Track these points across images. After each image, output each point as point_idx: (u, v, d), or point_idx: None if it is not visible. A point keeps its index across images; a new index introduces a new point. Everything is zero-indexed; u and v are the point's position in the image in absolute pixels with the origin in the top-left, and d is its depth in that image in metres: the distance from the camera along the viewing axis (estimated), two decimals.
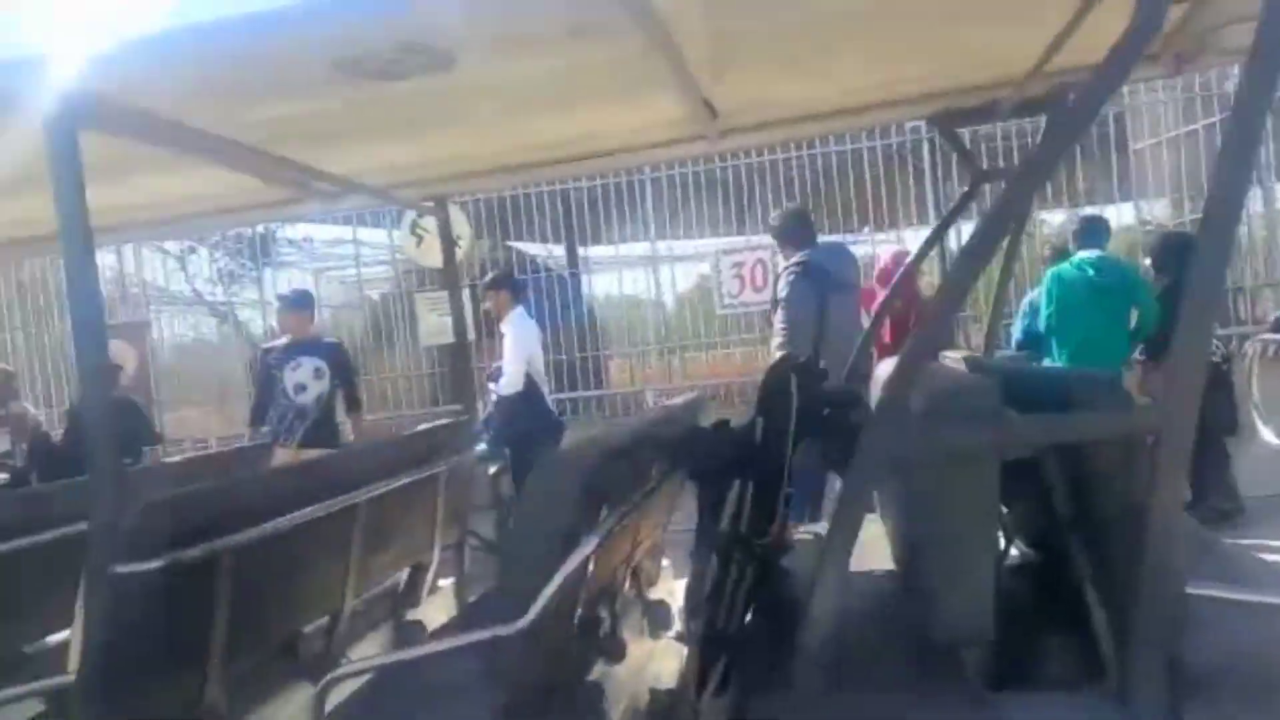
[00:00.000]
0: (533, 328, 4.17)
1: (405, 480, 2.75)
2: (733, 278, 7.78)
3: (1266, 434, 3.29)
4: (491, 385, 5.72)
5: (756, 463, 2.21)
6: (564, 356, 9.50)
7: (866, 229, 9.37)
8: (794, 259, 4.62)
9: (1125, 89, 8.52)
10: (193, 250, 10.36)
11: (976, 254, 1.47)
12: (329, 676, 1.68)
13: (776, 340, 4.55)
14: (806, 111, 2.79)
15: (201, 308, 10.54)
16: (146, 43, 1.76)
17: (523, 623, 1.60)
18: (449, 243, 3.62)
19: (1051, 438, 1.48)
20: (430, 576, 3.25)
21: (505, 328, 5.64)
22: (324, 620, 2.62)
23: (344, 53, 1.91)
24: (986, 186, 3.00)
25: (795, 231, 4.79)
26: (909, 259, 3.63)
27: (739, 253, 8.00)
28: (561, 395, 9.42)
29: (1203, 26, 2.30)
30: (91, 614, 1.67)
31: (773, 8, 2.00)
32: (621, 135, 2.85)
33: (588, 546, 1.69)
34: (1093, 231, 5.58)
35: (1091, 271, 5.21)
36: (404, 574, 3.22)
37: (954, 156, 7.97)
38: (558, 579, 1.62)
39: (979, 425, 1.37)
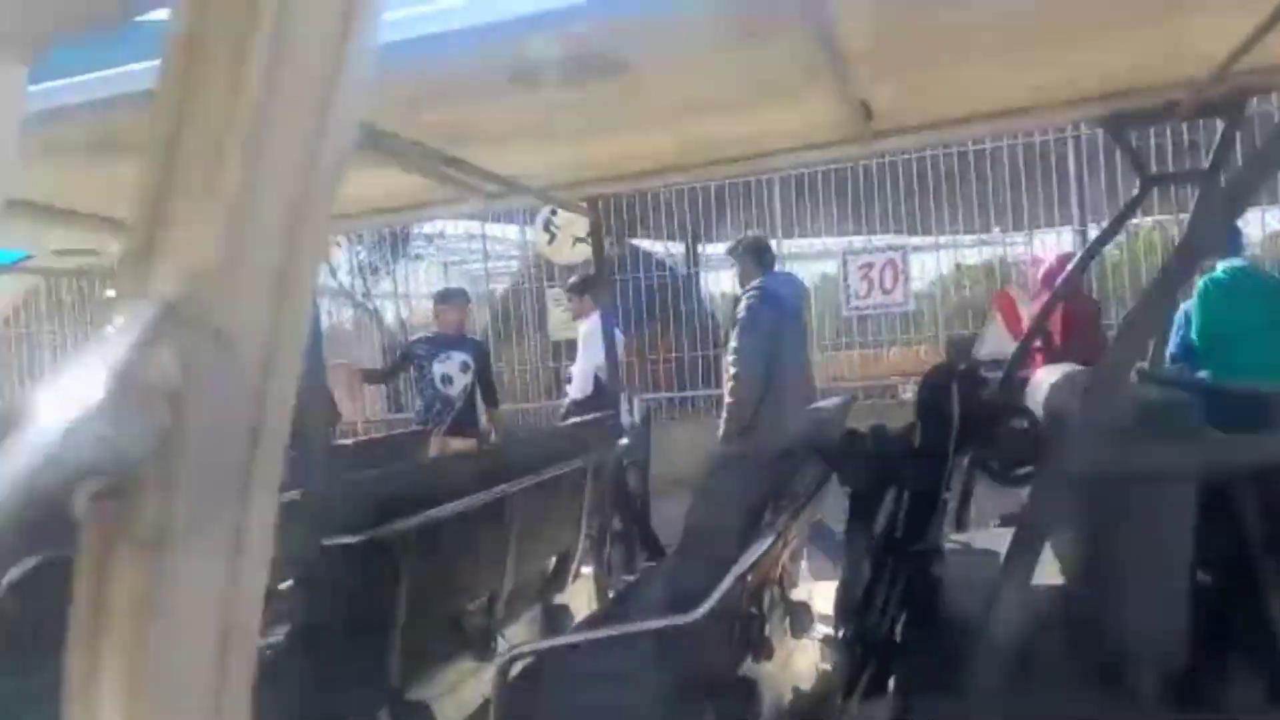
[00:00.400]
0: (608, 334, 4.33)
1: (558, 471, 2.87)
2: (860, 279, 7.68)
3: None
4: (567, 386, 5.87)
5: (914, 469, 2.22)
6: (679, 355, 9.58)
7: (997, 229, 9.10)
8: (752, 284, 4.76)
9: None
10: (335, 244, 10.90)
11: (1177, 268, 1.44)
12: (512, 652, 1.78)
13: (729, 358, 4.72)
14: (964, 113, 2.75)
15: (342, 298, 11.07)
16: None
17: (699, 613, 1.66)
18: (599, 241, 3.73)
19: (1261, 456, 1.44)
20: (575, 564, 3.37)
21: (580, 330, 5.82)
22: (483, 600, 2.76)
23: (522, 66, 2.01)
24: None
25: (754, 257, 4.92)
26: (1073, 262, 3.52)
27: (867, 253, 7.88)
28: (674, 394, 9.50)
29: None
30: (301, 582, 1.82)
31: (937, 6, 1.99)
32: (779, 137, 2.87)
33: (764, 543, 1.74)
34: (1233, 239, 5.28)
35: (1254, 279, 4.92)
36: (550, 561, 3.35)
37: (1102, 158, 7.75)
38: (735, 571, 1.67)
39: (1181, 445, 1.35)
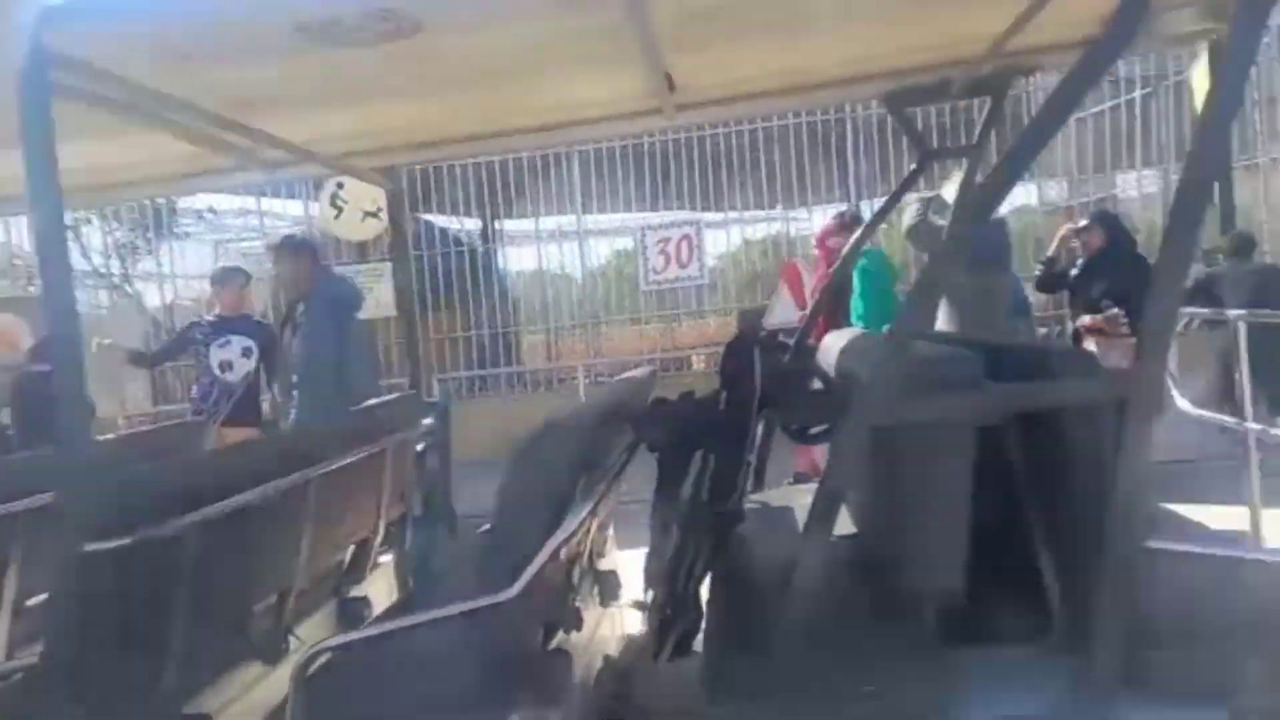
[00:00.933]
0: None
1: (357, 456, 2.71)
2: (658, 253, 7.82)
3: (1181, 403, 3.53)
4: None
5: (720, 434, 2.26)
6: (477, 333, 9.41)
7: (781, 205, 9.57)
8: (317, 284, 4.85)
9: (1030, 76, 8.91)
10: (87, 220, 9.79)
11: (962, 224, 1.53)
12: (314, 648, 1.66)
13: (295, 360, 4.84)
14: (763, 87, 2.83)
15: (98, 281, 9.98)
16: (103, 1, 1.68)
17: (515, 590, 1.61)
18: (400, 213, 3.54)
19: (1033, 404, 1.56)
20: (374, 553, 3.21)
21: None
22: (272, 599, 2.56)
23: (309, 17, 1.85)
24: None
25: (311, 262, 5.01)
26: (857, 234, 3.72)
27: (665, 229, 8.04)
28: (473, 372, 9.34)
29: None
30: (60, 591, 1.60)
31: None
32: (584, 107, 2.84)
33: (577, 517, 1.71)
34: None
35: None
36: (348, 552, 3.17)
37: (874, 135, 8.30)
38: (548, 548, 1.64)
39: (964, 394, 1.44)
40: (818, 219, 9.18)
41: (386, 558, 3.40)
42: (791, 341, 3.02)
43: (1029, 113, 8.50)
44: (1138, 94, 8.46)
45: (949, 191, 5.01)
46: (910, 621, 1.78)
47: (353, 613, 3.03)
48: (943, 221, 4.98)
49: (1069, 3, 2.04)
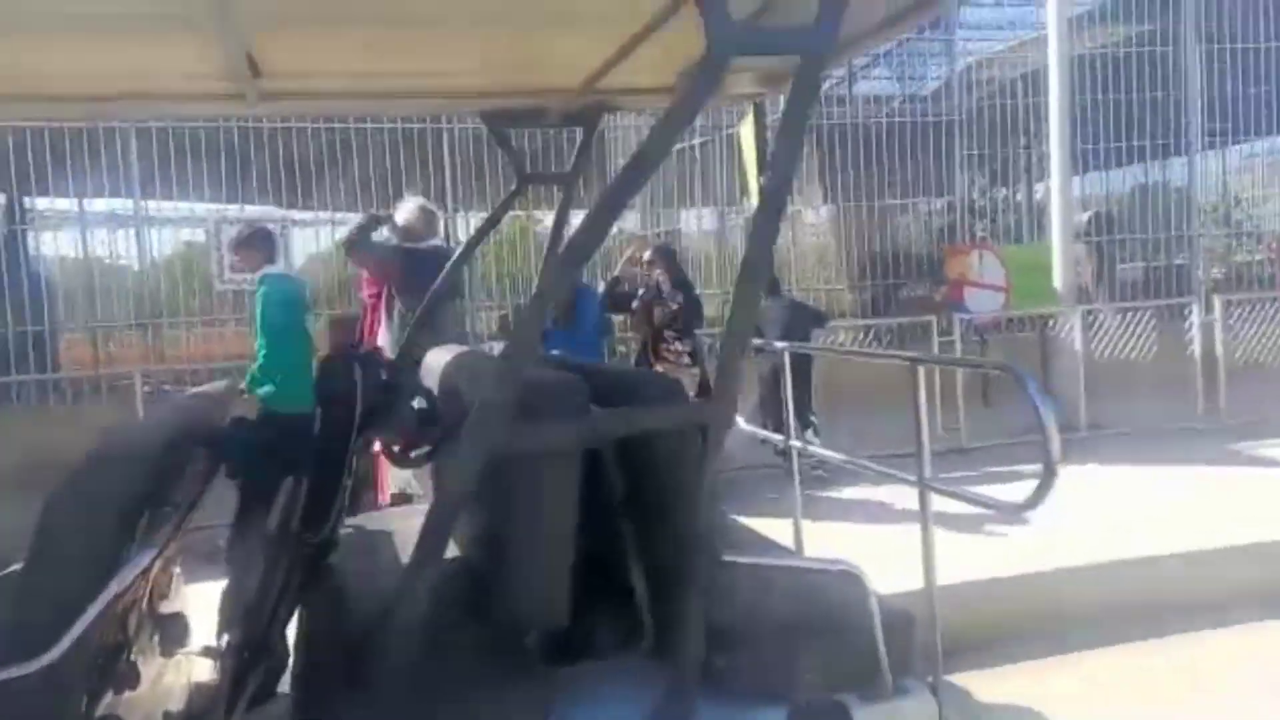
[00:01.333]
0: None
1: None
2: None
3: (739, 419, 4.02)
4: None
5: (315, 456, 2.10)
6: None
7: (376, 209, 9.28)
8: None
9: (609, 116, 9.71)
10: None
11: (574, 253, 1.57)
12: None
13: None
14: (354, 87, 2.71)
15: None
16: None
17: (47, 659, 1.33)
18: None
19: (632, 429, 1.65)
20: None
21: None
22: None
23: None
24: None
25: None
26: (457, 253, 3.68)
27: (243, 224, 7.32)
28: None
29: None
30: None
31: None
32: (148, 78, 2.47)
33: (136, 565, 1.46)
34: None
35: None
36: None
37: (472, 152, 8.38)
38: (100, 603, 1.37)
39: (571, 420, 1.48)
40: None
41: None
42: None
43: (619, 146, 9.26)
44: (697, 141, 9.61)
45: (403, 213, 5.19)
46: (516, 644, 1.79)
47: None
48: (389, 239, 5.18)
49: (654, 52, 2.22)
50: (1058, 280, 7.92)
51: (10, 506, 1.68)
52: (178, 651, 2.65)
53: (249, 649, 2.17)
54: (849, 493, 5.96)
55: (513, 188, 2.94)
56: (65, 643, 1.32)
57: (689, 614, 1.51)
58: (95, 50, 2.20)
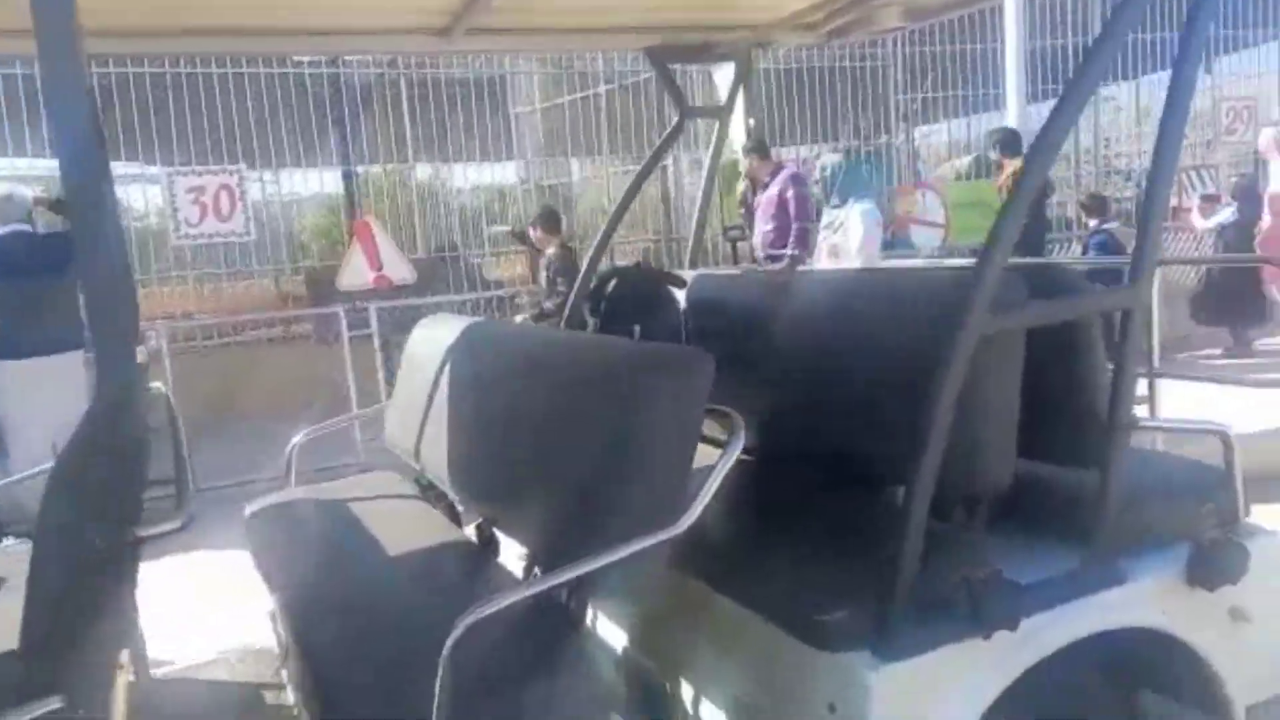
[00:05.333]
0: None
1: None
2: (191, 204, 6.66)
3: None
4: None
5: None
6: None
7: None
8: None
9: (506, 59, 9.55)
10: None
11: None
12: None
13: None
14: (552, 25, 2.77)
15: None
16: None
17: None
18: None
19: (1073, 313, 1.78)
20: None
21: None
22: None
23: None
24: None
25: None
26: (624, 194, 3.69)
27: (196, 175, 6.85)
28: None
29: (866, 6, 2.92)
30: None
31: None
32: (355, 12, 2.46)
33: None
34: None
35: None
36: None
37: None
38: None
39: (1014, 310, 1.63)
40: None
41: None
42: None
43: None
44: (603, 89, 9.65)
45: None
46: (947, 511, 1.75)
47: None
48: None
49: None
50: None
51: None
52: None
53: None
54: None
55: (674, 120, 3.06)
56: None
57: (1108, 480, 1.66)
58: None
